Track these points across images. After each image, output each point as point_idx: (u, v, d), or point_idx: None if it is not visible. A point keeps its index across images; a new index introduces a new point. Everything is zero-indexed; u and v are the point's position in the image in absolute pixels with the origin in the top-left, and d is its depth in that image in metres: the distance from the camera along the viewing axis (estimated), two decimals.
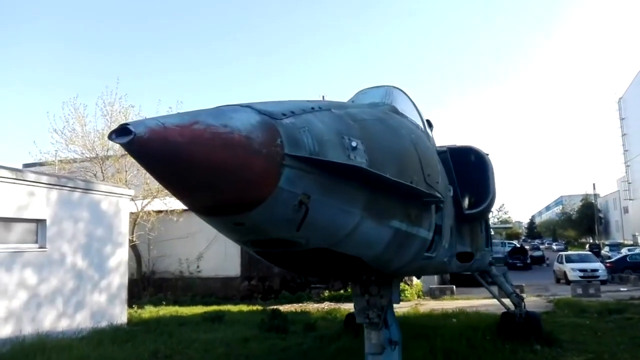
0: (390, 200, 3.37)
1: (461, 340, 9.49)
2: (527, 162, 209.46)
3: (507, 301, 10.98)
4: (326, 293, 19.65)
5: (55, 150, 22.16)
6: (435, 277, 25.10)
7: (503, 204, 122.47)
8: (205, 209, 2.66)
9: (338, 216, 2.98)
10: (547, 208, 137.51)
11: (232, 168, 2.31)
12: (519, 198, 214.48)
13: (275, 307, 15.40)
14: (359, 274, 4.13)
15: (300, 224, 2.71)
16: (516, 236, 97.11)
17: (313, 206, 2.70)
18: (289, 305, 18.20)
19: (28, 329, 11.12)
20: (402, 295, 19.47)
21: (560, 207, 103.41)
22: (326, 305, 17.81)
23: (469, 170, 6.75)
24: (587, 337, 11.01)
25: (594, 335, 11.15)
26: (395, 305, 14.02)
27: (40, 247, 11.83)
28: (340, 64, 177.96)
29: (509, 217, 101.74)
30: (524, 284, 21.67)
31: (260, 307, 17.33)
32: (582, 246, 67.30)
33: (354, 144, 2.96)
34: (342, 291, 17.99)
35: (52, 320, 11.86)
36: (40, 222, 11.88)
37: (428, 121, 7.43)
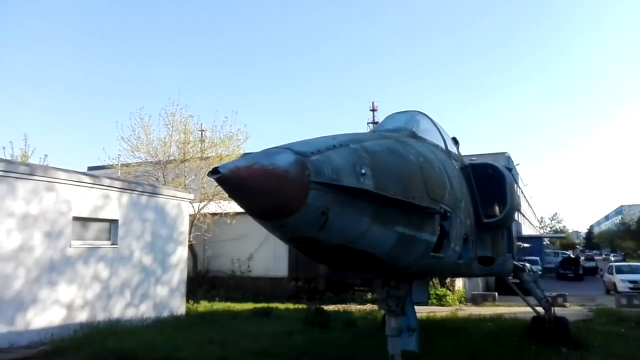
0: (393, 211, 4.35)
1: (488, 340, 10.18)
2: (588, 170, 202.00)
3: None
4: (369, 295, 20.42)
5: (118, 155, 24.16)
6: (480, 284, 25.48)
7: (556, 213, 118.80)
8: (261, 215, 3.84)
9: (351, 222, 4.05)
10: (607, 218, 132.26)
11: (277, 190, 3.49)
12: (578, 207, 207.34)
13: (317, 305, 16.39)
14: (376, 268, 5.11)
15: (322, 227, 3.82)
16: (572, 246, 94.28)
17: (331, 215, 3.81)
18: (333, 305, 19.01)
19: (101, 316, 12.63)
20: (444, 300, 20.15)
21: (620, 217, 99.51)
22: (368, 307, 18.61)
23: (491, 184, 7.55)
24: (617, 343, 11.32)
25: (624, 342, 11.46)
26: (434, 309, 14.88)
27: (112, 244, 13.36)
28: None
29: (564, 226, 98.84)
30: (567, 294, 21.68)
31: (305, 306, 18.34)
32: None
33: (363, 171, 3.99)
34: None
35: (121, 309, 13.35)
36: (113, 222, 13.43)
37: (454, 139, 8.29)
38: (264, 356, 9.51)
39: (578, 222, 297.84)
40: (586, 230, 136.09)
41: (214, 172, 3.41)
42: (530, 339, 10.89)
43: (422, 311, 16.97)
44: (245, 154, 23.70)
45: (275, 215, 3.69)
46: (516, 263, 11.51)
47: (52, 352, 9.91)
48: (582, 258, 57.31)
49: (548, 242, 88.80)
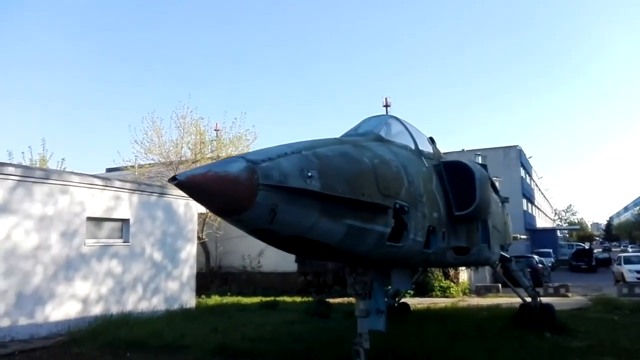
0: (341, 207, 4.95)
1: (472, 325, 10.79)
2: (608, 161, 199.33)
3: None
4: None
5: (135, 157, 25.16)
6: (487, 277, 25.93)
7: (570, 205, 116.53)
8: (219, 212, 4.53)
9: (299, 217, 4.66)
10: (626, 209, 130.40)
11: (229, 192, 4.12)
12: (599, 199, 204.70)
13: (324, 298, 17.06)
14: (333, 255, 5.75)
15: (271, 221, 4.45)
16: (589, 238, 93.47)
17: (280, 211, 4.43)
18: (340, 298, 19.69)
19: (115, 309, 13.50)
20: (447, 292, 20.68)
21: (638, 207, 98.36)
22: None
23: (464, 180, 8.09)
24: (604, 329, 11.77)
25: (612, 328, 11.92)
26: (437, 300, 15.43)
27: (124, 242, 14.24)
28: None
29: (581, 218, 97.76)
30: (569, 284, 22.07)
31: (312, 299, 19.04)
32: None
33: (310, 174, 4.60)
34: (388, 287, 19.31)
35: (134, 302, 14.23)
36: (125, 221, 14.30)
37: (431, 138, 8.86)
38: (262, 342, 10.22)
39: (598, 214, 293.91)
40: (605, 222, 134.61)
41: (173, 179, 4.06)
42: (517, 325, 11.47)
43: (424, 302, 17.65)
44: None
45: (231, 212, 4.35)
46: (503, 254, 12.04)
47: (68, 342, 10.77)
48: (599, 249, 57.01)
49: (567, 234, 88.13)
